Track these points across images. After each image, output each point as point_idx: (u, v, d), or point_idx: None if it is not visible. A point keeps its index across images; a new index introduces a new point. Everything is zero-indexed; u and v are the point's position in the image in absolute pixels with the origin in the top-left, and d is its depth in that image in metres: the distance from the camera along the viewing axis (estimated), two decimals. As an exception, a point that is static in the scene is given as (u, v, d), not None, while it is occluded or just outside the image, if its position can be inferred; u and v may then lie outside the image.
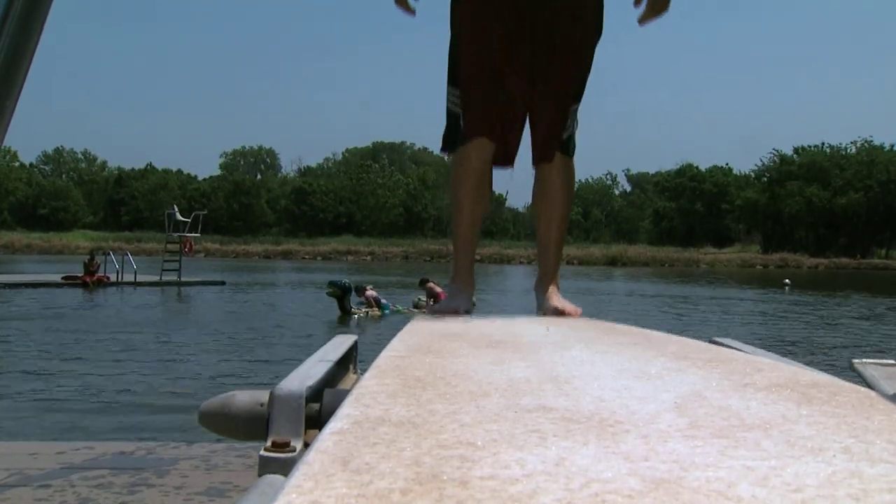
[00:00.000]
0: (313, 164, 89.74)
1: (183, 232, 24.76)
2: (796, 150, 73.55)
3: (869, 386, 1.35)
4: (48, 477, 2.80)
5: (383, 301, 15.90)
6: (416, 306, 16.28)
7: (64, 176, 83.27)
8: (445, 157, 2.25)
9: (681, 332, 1.44)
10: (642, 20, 2.11)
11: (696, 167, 78.76)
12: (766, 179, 73.49)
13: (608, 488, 0.41)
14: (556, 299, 2.15)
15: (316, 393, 1.18)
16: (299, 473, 0.42)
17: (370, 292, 15.76)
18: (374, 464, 0.44)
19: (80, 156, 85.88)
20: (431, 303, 16.11)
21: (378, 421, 0.56)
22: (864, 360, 1.55)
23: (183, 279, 23.18)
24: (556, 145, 2.17)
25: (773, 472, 0.44)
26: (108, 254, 24.48)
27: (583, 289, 24.88)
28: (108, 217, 74.92)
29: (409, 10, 2.12)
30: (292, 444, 1.07)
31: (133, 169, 79.63)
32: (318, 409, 1.14)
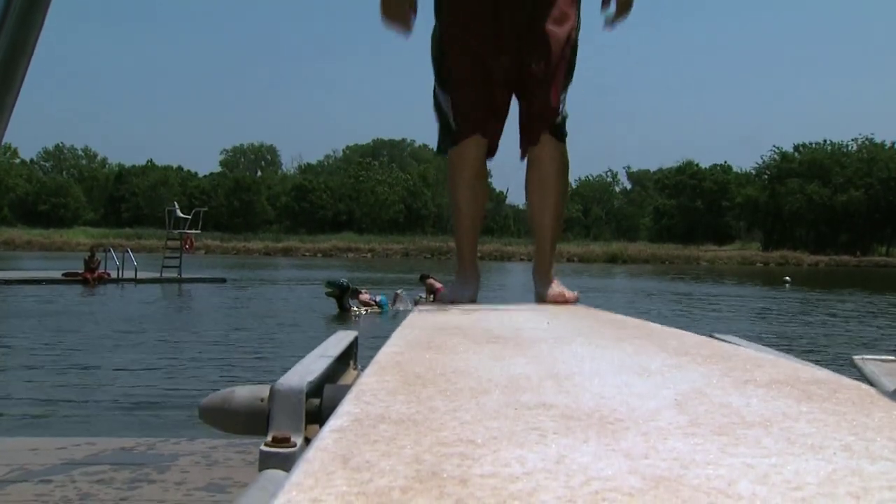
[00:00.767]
0: (314, 162, 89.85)
1: (183, 229, 24.75)
2: (797, 148, 73.55)
3: (869, 382, 1.35)
4: (49, 472, 2.80)
5: (379, 298, 15.91)
6: (417, 303, 16.30)
7: (64, 172, 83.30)
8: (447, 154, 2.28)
9: (681, 329, 1.44)
10: (611, 22, 2.14)
11: (697, 165, 78.77)
12: (766, 177, 73.48)
13: (608, 486, 0.41)
14: (555, 285, 2.19)
15: (316, 388, 1.18)
16: (299, 471, 0.42)
17: (364, 296, 15.77)
18: (374, 461, 0.44)
19: (80, 152, 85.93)
20: (432, 299, 16.13)
21: (378, 418, 0.56)
22: (865, 356, 1.55)
23: (183, 276, 23.18)
24: (544, 127, 2.18)
25: (773, 469, 0.44)
26: (109, 250, 24.49)
27: (583, 286, 24.87)
28: (109, 214, 74.95)
29: (407, 30, 2.13)
30: (292, 439, 1.07)
31: (134, 166, 79.71)
32: (319, 404, 1.14)
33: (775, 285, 29.51)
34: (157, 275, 22.94)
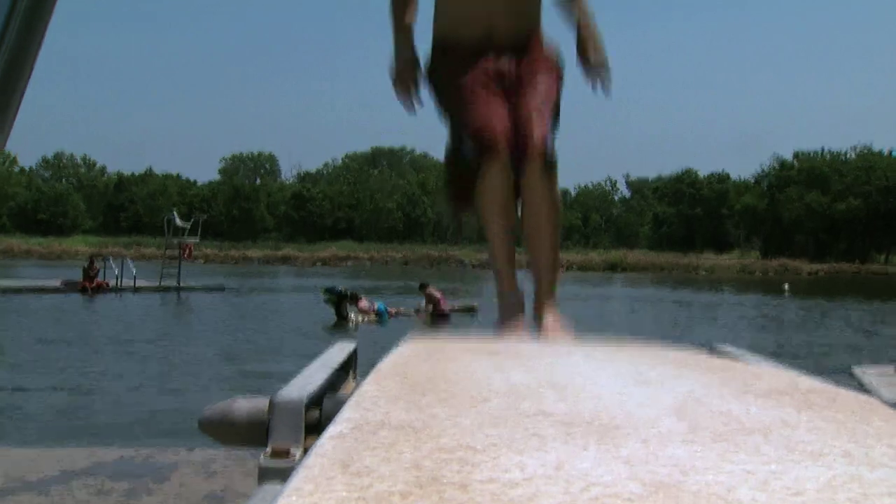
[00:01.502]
0: (313, 170, 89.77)
1: (182, 237, 24.73)
2: (796, 156, 73.65)
3: (868, 392, 1.35)
4: (48, 482, 2.79)
5: (377, 306, 15.89)
6: (417, 311, 16.29)
7: (63, 181, 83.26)
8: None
9: (680, 338, 1.44)
10: (594, 88, 2.16)
11: (696, 173, 78.88)
12: (765, 185, 73.56)
13: (608, 492, 0.41)
14: (555, 326, 2.10)
15: (316, 400, 1.18)
16: (299, 476, 0.42)
17: (363, 303, 15.75)
18: (373, 467, 0.44)
19: (79, 161, 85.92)
20: (431, 308, 16.11)
21: (378, 425, 0.56)
22: (864, 366, 1.55)
23: (182, 284, 23.15)
24: (542, 148, 2.16)
25: (773, 476, 0.44)
26: (108, 259, 24.46)
27: (582, 295, 24.85)
28: (108, 222, 74.86)
29: (412, 108, 2.13)
30: (292, 451, 1.06)
31: (133, 174, 79.64)
32: (318, 415, 1.14)
33: (775, 293, 29.49)
34: (155, 283, 22.89)
